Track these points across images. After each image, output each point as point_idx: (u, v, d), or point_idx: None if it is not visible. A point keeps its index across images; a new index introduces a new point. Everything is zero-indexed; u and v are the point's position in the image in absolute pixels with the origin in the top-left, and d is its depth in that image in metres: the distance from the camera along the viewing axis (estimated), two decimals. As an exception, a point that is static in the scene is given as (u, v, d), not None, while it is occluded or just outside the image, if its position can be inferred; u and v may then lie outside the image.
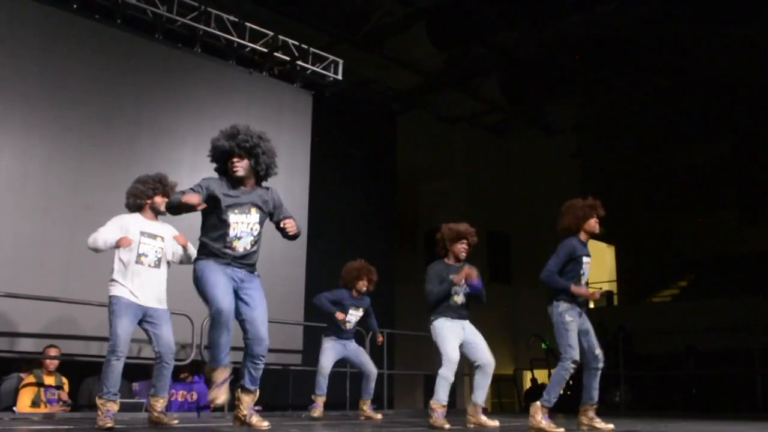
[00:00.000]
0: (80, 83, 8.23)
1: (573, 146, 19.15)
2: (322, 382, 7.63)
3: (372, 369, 7.78)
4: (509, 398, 17.69)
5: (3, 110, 7.63)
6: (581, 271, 5.99)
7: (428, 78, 14.78)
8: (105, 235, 5.60)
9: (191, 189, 4.50)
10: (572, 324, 5.85)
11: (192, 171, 7.55)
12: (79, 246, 7.39)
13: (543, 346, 14.17)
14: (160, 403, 5.80)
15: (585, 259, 6.04)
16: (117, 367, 5.48)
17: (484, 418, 6.60)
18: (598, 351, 6.01)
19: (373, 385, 7.78)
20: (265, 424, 4.46)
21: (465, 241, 6.60)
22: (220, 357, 4.49)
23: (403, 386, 12.38)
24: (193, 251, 5.59)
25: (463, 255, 6.63)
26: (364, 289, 7.68)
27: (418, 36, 12.95)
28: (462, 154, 18.41)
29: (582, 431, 5.92)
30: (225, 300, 4.40)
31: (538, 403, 5.80)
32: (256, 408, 4.86)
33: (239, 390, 4.53)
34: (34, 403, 6.97)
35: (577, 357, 5.82)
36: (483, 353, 6.58)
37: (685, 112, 16.18)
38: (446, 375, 6.42)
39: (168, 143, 8.72)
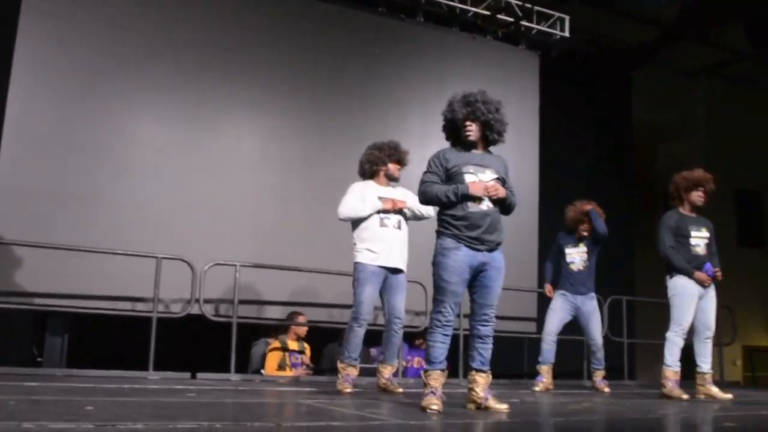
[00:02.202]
0: (311, 62, 8.54)
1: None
2: (546, 349, 7.08)
3: (595, 336, 7.15)
4: (764, 371, 16.36)
5: (244, 95, 8.12)
6: None
7: (663, 29, 13.81)
8: (354, 204, 5.72)
9: (428, 172, 4.41)
10: None
11: (420, 140, 7.55)
12: (318, 218, 7.76)
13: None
14: (388, 370, 5.88)
15: None
16: (359, 333, 5.65)
17: (714, 389, 6.27)
18: None
19: (600, 355, 7.16)
20: (504, 406, 4.26)
21: (702, 189, 6.29)
22: (437, 355, 4.29)
23: (646, 355, 11.76)
24: (424, 209, 5.59)
25: (699, 203, 6.33)
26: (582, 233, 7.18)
27: (650, -16, 12.12)
28: (704, 109, 17.12)
29: None
30: (455, 302, 4.27)
31: None
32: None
33: (473, 372, 4.36)
34: (280, 367, 7.36)
35: None
36: (709, 319, 6.28)
37: None
38: (674, 339, 6.20)
39: (397, 114, 8.82)
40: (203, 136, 7.83)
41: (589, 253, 7.16)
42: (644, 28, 13.20)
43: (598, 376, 7.15)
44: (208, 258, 7.06)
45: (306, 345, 7.62)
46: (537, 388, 6.87)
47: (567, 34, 10.14)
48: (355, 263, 5.69)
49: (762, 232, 17.99)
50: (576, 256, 7.17)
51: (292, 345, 7.49)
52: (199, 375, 6.70)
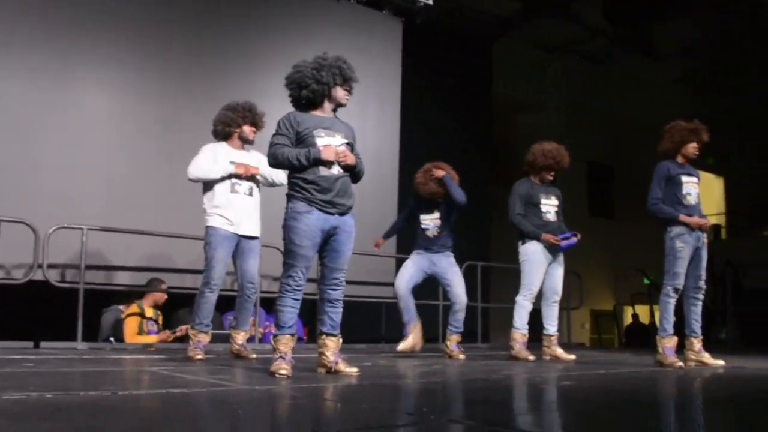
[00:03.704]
0: (169, 16, 8.19)
1: (680, 72, 18.15)
2: (403, 308, 6.58)
3: (458, 293, 6.63)
4: (609, 334, 17.33)
5: (92, 47, 7.68)
6: (684, 192, 5.70)
7: (525, 3, 14.15)
8: (205, 165, 5.55)
9: (279, 134, 4.31)
10: (683, 251, 5.61)
11: (280, 100, 7.39)
12: (171, 180, 7.50)
13: (645, 281, 13.69)
14: (240, 336, 5.82)
15: (685, 178, 5.78)
16: (210, 299, 5.54)
17: (559, 351, 6.55)
18: (702, 282, 5.74)
19: (461, 316, 6.65)
20: (354, 370, 4.29)
21: (555, 169, 6.55)
22: (286, 320, 4.23)
23: (501, 320, 12.20)
24: (276, 176, 5.53)
25: (548, 181, 6.61)
26: (427, 191, 6.67)
27: (514, -43, 12.38)
28: (561, 83, 17.77)
29: (689, 366, 5.63)
30: (306, 266, 4.22)
31: (658, 336, 5.72)
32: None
33: (323, 336, 4.35)
34: (139, 332, 7.14)
35: (678, 285, 5.66)
36: (556, 284, 6.54)
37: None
38: (523, 302, 6.42)
39: (256, 74, 8.61)
40: (48, 91, 7.36)
41: (443, 219, 6.75)
42: (506, 2, 13.46)
43: (453, 340, 6.66)
44: (52, 221, 6.68)
45: (159, 312, 7.43)
46: (399, 347, 6.47)
47: (431, 1, 10.18)
48: (207, 227, 5.56)
49: (612, 203, 18.96)
50: (430, 222, 6.77)
51: (149, 312, 7.28)
52: (43, 344, 6.38)
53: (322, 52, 4.46)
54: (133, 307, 7.23)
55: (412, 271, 6.69)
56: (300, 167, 4.24)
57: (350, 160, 4.31)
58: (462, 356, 6.55)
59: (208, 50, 8.42)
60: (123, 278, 7.54)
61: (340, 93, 4.41)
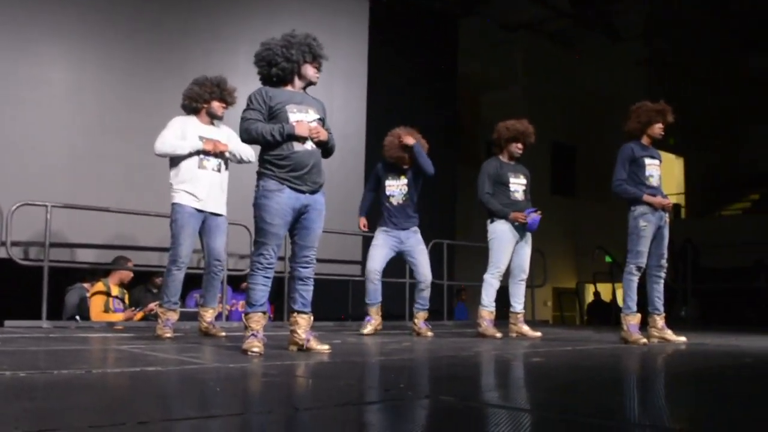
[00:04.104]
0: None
1: (641, 52, 18.35)
2: (371, 289, 6.50)
3: (423, 272, 6.55)
4: (571, 311, 17.58)
5: (56, 22, 7.55)
6: (647, 174, 5.79)
7: (490, -18, 14.19)
8: (172, 140, 5.46)
9: (251, 110, 4.28)
10: (646, 230, 5.71)
11: (246, 77, 7.33)
12: (136, 156, 7.42)
13: (607, 259, 13.89)
14: (209, 314, 5.80)
15: (648, 161, 5.86)
16: (178, 276, 5.49)
17: (525, 328, 6.61)
18: (664, 261, 5.85)
19: (426, 294, 6.58)
20: (326, 347, 4.31)
21: (521, 142, 6.55)
22: (258, 298, 4.24)
23: (467, 297, 12.32)
24: (245, 154, 5.52)
25: (517, 155, 6.61)
26: (393, 155, 6.53)
27: (479, -63, 12.38)
28: (524, 62, 17.86)
29: (653, 343, 5.75)
30: (277, 244, 4.23)
31: (622, 314, 5.81)
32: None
33: (294, 314, 4.37)
34: (105, 311, 7.09)
35: (641, 263, 5.74)
36: (524, 262, 6.57)
37: (762, 17, 15.28)
38: (491, 280, 6.44)
39: (221, 50, 8.53)
40: (11, 67, 7.22)
41: (409, 186, 6.56)
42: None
43: (421, 318, 6.59)
44: (15, 197, 6.56)
45: (125, 291, 7.37)
46: (365, 330, 6.40)
47: (397, -21, 10.17)
48: (173, 204, 5.49)
49: (574, 182, 19.16)
50: (396, 189, 6.56)
51: (115, 290, 7.22)
52: (7, 323, 6.30)
53: (291, 30, 4.44)
54: (99, 286, 7.17)
55: (384, 252, 6.56)
56: (274, 143, 4.23)
57: (323, 135, 4.32)
58: (430, 333, 6.52)
59: (173, 27, 8.32)
60: (88, 256, 7.46)
61: (310, 71, 4.41)
